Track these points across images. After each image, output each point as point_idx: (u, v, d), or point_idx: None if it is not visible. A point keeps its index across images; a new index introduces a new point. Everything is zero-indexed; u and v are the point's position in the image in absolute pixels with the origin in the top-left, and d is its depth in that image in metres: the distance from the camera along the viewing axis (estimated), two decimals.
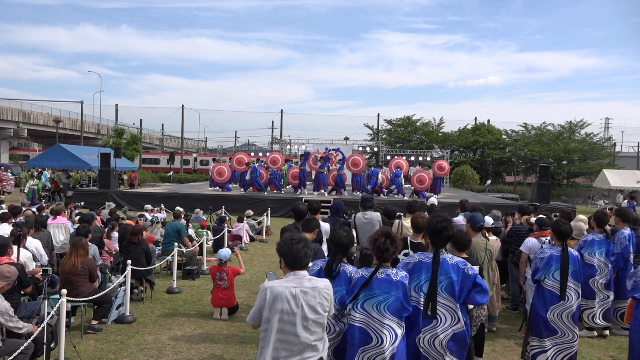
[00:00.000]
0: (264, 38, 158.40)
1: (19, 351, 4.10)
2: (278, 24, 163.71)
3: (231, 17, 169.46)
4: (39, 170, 25.49)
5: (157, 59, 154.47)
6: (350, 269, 3.78)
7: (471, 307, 4.14)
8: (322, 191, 20.44)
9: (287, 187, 23.33)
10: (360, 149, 32.80)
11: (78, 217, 9.91)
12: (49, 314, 4.55)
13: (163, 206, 15.96)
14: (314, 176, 22.04)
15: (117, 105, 47.11)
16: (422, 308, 3.62)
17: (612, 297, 6.32)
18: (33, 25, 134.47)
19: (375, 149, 35.13)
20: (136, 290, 7.30)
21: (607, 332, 6.38)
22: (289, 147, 38.13)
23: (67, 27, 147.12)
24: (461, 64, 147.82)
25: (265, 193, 20.37)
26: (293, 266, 2.95)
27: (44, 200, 19.04)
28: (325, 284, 3.00)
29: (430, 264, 3.66)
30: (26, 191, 22.39)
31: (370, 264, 3.55)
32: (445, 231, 3.66)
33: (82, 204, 17.30)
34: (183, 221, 9.93)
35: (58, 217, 8.56)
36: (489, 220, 6.66)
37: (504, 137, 40.57)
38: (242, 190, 20.93)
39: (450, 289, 3.62)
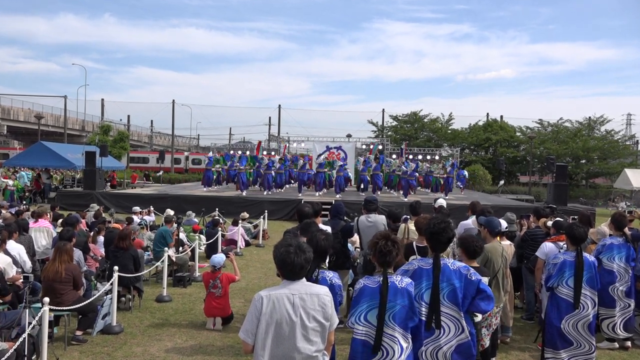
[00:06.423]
0: (257, 28, 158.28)
1: (3, 358, 4.13)
2: (271, 12, 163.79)
3: (221, 6, 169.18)
4: (16, 169, 25.46)
5: (143, 50, 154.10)
6: (330, 275, 3.77)
7: (479, 317, 4.10)
8: (320, 193, 20.57)
9: (287, 186, 23.39)
10: (364, 146, 32.79)
11: (60, 221, 9.90)
12: (30, 323, 4.57)
13: (152, 208, 15.96)
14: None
15: (102, 100, 47.20)
16: (424, 318, 3.58)
17: (632, 305, 6.30)
18: (9, 15, 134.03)
19: (380, 147, 35.12)
20: (123, 299, 7.30)
21: (629, 343, 6.35)
22: (287, 144, 38.11)
23: (46, 16, 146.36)
24: (469, 56, 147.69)
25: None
26: (289, 277, 2.93)
27: (24, 202, 19.04)
28: (324, 289, 2.99)
29: (430, 270, 3.61)
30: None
31: (374, 271, 3.53)
32: (444, 233, 3.62)
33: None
34: (174, 226, 9.92)
35: (39, 219, 8.57)
36: (503, 224, 6.66)
37: (518, 134, 40.57)
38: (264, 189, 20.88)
39: (452, 296, 3.59)
